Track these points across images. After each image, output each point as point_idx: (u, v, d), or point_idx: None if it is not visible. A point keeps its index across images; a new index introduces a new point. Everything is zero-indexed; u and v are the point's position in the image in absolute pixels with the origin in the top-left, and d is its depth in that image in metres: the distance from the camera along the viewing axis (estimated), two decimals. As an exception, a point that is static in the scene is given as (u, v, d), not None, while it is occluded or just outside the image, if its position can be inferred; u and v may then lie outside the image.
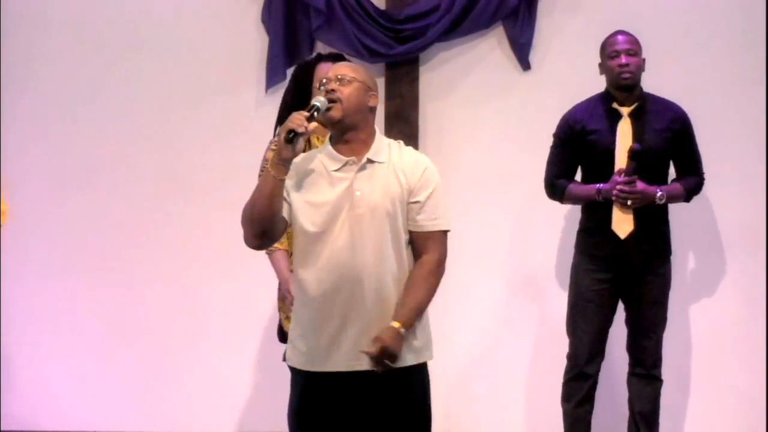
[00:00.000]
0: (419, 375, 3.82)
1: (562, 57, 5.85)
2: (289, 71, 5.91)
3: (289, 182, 3.76)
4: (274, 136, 4.85)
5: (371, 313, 3.72)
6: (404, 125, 5.80)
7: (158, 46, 6.03)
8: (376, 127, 3.87)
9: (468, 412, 5.92)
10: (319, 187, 3.76)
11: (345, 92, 3.75)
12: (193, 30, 6.03)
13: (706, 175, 5.40)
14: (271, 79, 5.93)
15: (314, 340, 3.76)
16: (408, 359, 3.76)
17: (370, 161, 3.78)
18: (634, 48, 5.25)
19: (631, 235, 5.17)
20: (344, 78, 3.77)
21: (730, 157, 5.73)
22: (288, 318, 4.61)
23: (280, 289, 4.82)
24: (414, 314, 3.73)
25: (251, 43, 5.98)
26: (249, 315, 5.99)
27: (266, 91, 5.96)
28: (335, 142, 3.82)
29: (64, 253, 6.09)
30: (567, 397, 5.34)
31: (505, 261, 5.91)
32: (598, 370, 5.31)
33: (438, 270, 3.79)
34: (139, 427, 6.03)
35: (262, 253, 5.80)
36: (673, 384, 5.68)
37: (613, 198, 5.12)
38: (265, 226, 3.75)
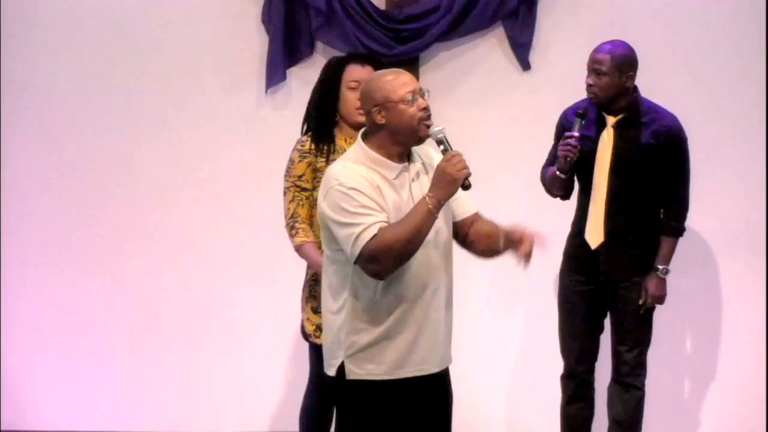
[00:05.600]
0: (448, 377, 3.92)
1: (562, 57, 5.85)
2: (290, 71, 5.94)
3: (374, 193, 3.70)
4: (302, 135, 4.84)
5: (441, 314, 3.78)
6: (404, 125, 5.79)
7: (158, 46, 6.03)
8: None
9: (477, 414, 5.91)
10: (388, 197, 3.73)
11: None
12: (193, 30, 6.02)
13: (707, 175, 5.39)
14: (271, 79, 5.92)
15: (392, 348, 3.74)
16: (447, 360, 3.87)
17: (412, 162, 3.80)
18: (602, 68, 5.01)
19: (602, 246, 5.14)
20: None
21: (730, 157, 5.73)
22: (313, 313, 4.65)
23: (305, 288, 4.80)
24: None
25: (251, 43, 5.98)
26: (248, 314, 6.00)
27: (266, 91, 5.95)
28: (387, 150, 3.75)
29: (65, 252, 6.08)
30: (562, 394, 5.33)
31: (506, 260, 5.89)
32: (586, 371, 5.26)
33: None
34: (139, 427, 6.03)
35: (263, 252, 5.87)
36: (673, 384, 5.69)
37: (559, 155, 5.04)
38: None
